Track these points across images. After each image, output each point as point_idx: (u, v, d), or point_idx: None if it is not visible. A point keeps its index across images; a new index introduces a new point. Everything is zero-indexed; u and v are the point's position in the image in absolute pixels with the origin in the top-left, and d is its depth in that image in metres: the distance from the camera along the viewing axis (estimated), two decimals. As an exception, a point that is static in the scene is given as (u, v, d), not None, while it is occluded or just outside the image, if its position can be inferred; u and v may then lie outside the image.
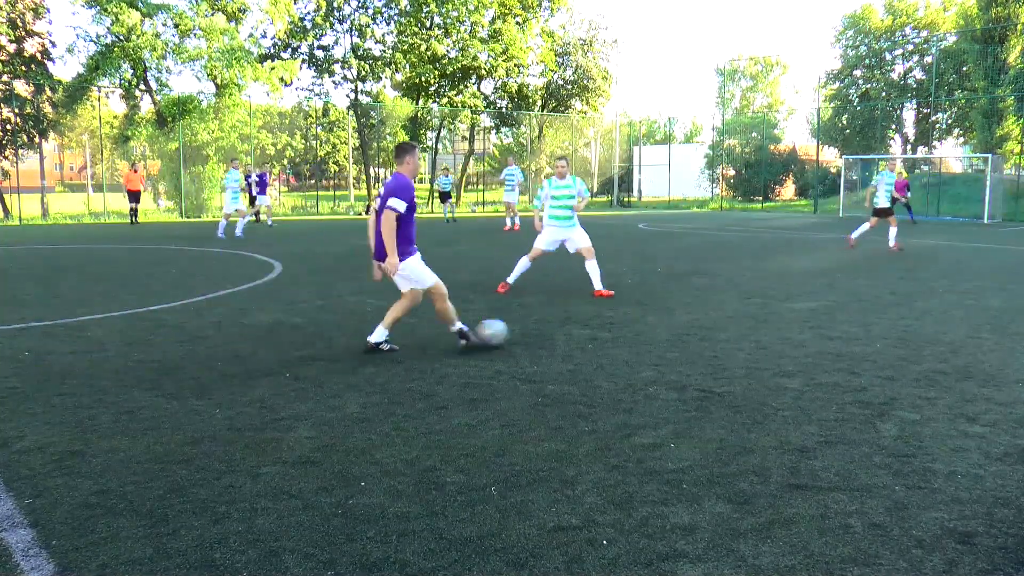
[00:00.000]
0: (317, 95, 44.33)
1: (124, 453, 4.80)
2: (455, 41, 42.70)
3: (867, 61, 65.73)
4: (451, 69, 42.78)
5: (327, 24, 41.48)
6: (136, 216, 29.28)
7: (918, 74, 64.57)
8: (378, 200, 7.20)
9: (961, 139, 64.14)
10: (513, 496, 4.15)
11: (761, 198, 52.03)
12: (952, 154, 63.61)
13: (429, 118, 45.67)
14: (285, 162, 55.69)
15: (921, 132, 62.51)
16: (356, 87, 43.58)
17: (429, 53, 41.63)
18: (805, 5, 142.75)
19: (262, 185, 27.90)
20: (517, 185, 26.08)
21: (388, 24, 42.76)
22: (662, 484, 4.32)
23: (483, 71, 44.11)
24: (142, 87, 34.65)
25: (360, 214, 36.35)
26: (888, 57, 65.74)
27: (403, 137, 45.63)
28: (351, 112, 43.93)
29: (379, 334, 7.58)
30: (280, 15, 35.73)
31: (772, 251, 18.85)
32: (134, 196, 29.27)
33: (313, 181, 61.48)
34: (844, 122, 63.15)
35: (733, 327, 8.99)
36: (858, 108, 62.22)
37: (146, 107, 35.95)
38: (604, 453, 4.79)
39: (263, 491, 4.21)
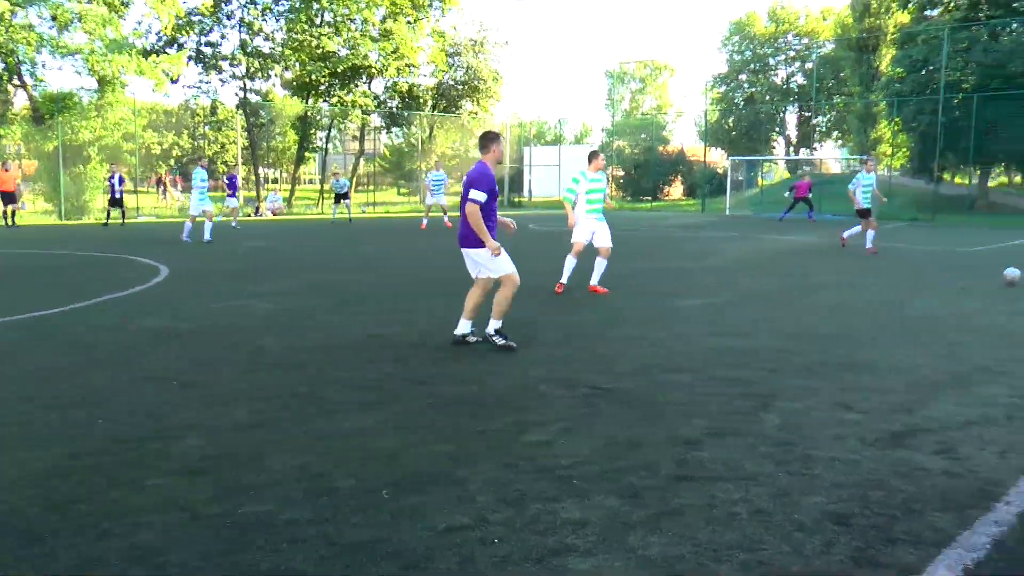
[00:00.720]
0: (205, 93, 43.09)
1: (-3, 468, 4.57)
2: (346, 39, 42.15)
3: (752, 66, 68.02)
4: (341, 68, 42.21)
5: (215, 19, 40.40)
6: (13, 218, 27.89)
7: (800, 79, 67.15)
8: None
9: (840, 141, 67.01)
10: (406, 499, 4.13)
11: (650, 198, 53.17)
12: (831, 155, 66.33)
13: (319, 117, 44.97)
14: (172, 162, 53.99)
15: (803, 134, 65.02)
16: (245, 85, 42.58)
17: (319, 51, 40.99)
18: (693, 10, 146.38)
19: (232, 187, 28.44)
20: (444, 187, 26.95)
21: (278, 20, 41.91)
22: (553, 481, 4.36)
23: (374, 70, 43.68)
24: (15, 82, 33.03)
25: (250, 215, 35.53)
26: (771, 62, 68.18)
27: (292, 137, 44.78)
28: (240, 111, 42.87)
29: (463, 326, 7.93)
30: (166, 9, 34.56)
31: (662, 250, 19.28)
32: (7, 197, 27.87)
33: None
34: (730, 124, 65.15)
35: (624, 325, 9.15)
36: (743, 111, 64.32)
37: (20, 103, 34.29)
38: (496, 452, 4.81)
39: (148, 504, 4.07)
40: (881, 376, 6.79)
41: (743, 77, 68.18)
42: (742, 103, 66.94)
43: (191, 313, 9.80)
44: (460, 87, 50.81)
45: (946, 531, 3.79)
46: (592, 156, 11.45)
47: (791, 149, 65.40)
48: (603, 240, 11.56)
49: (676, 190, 63.25)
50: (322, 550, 3.57)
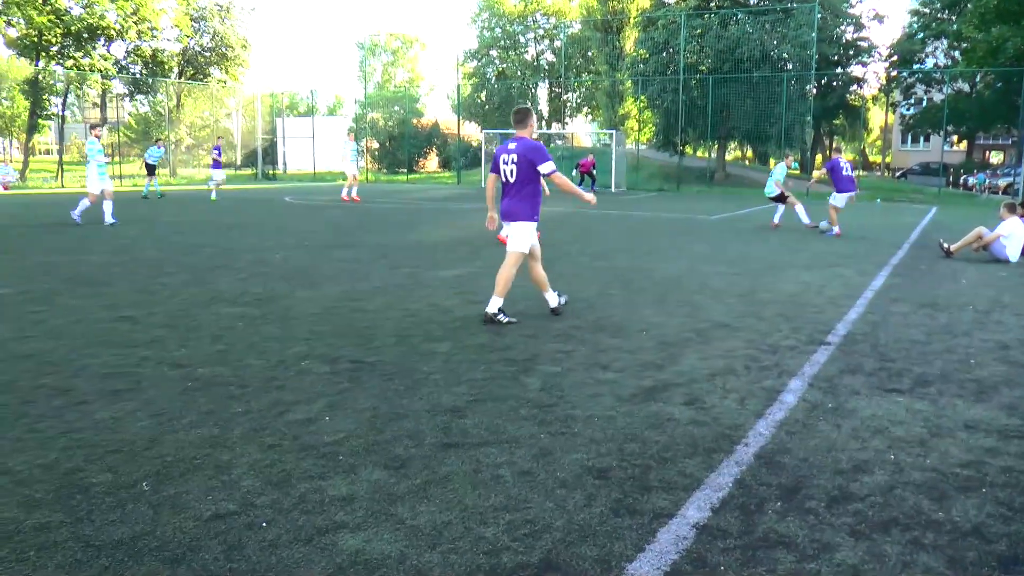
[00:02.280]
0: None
1: None
2: (79, -5, 38.92)
3: (502, 42, 69.53)
4: (76, 27, 38.89)
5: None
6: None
7: (549, 56, 69.41)
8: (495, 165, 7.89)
9: (590, 116, 70.02)
10: (166, 489, 3.90)
11: (406, 170, 53.20)
12: (583, 130, 69.22)
13: (52, 82, 41.26)
14: None
15: (554, 109, 67.26)
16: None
17: (48, 7, 37.51)
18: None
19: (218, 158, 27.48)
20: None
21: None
22: (319, 458, 4.28)
23: (113, 32, 40.61)
24: None
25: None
26: (522, 40, 69.99)
27: (22, 102, 40.74)
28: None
29: (552, 298, 8.21)
30: None
31: (418, 222, 19.37)
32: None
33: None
34: (483, 98, 66.25)
35: (382, 297, 9.12)
36: (495, 86, 65.58)
37: None
38: (259, 433, 4.65)
39: None
40: (633, 338, 7.19)
41: (494, 53, 69.62)
42: (494, 78, 68.37)
43: None
44: (207, 54, 48.44)
45: (694, 475, 4.08)
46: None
47: (543, 123, 67.59)
48: None
49: (432, 162, 63.73)
50: (77, 553, 3.29)
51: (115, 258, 12.22)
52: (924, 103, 55.75)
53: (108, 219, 17.42)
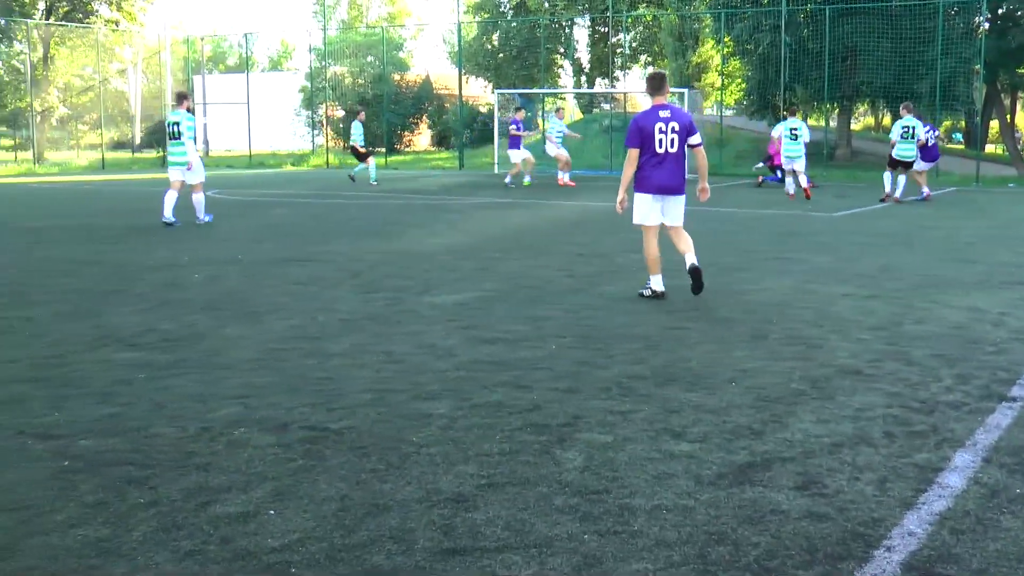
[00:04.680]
0: None
1: None
2: None
3: (524, -41, 69.33)
4: None
5: None
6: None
7: (592, -21, 69.12)
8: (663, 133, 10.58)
9: (650, 68, 69.69)
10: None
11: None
12: (639, 88, 69.06)
13: None
14: None
15: (598, 58, 66.92)
16: None
17: None
18: None
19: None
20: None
21: None
22: (261, 572, 4.30)
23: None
24: None
25: None
26: (552, -45, 69.80)
27: None
28: None
29: (656, 282, 11.01)
30: None
31: (402, 225, 19.43)
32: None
33: None
34: (495, 43, 65.92)
35: (351, 335, 9.15)
36: (513, 24, 65.17)
37: None
38: (171, 534, 4.67)
39: None
40: (719, 391, 7.18)
41: (512, -27, 69.67)
42: (510, 12, 68.31)
43: None
44: (91, -19, 48.95)
45: (813, 595, 4.06)
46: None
47: (583, 79, 67.61)
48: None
49: (422, 138, 63.77)
50: None
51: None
52: None
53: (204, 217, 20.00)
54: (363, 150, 33.45)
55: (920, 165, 25.34)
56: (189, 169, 19.51)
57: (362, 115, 35.81)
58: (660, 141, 10.41)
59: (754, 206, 24.11)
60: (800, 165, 25.62)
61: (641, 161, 10.69)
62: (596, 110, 55.19)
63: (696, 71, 52.17)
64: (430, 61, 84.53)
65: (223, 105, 54.63)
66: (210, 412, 6.68)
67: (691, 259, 10.76)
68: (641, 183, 10.91)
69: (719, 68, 48.74)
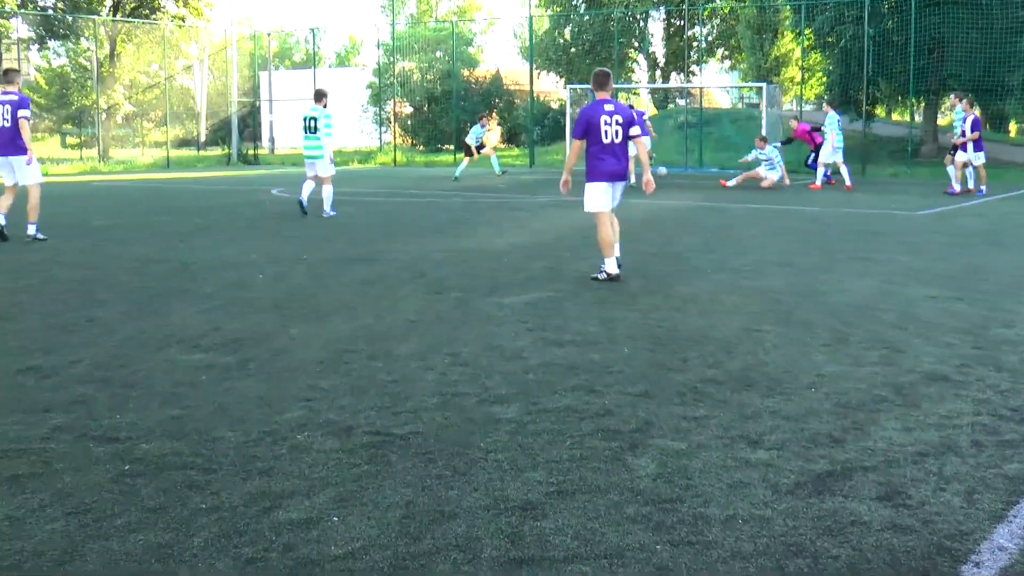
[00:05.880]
0: None
1: None
2: None
3: (598, -49, 69.18)
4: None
5: None
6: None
7: (667, -30, 68.84)
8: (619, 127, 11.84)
9: (727, 62, 69.38)
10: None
11: (453, 146, 53.29)
12: (717, 83, 68.77)
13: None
14: None
15: (673, 52, 66.72)
16: None
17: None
18: None
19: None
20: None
21: None
22: (323, 579, 4.30)
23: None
24: None
25: None
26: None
27: None
28: None
29: (611, 264, 11.98)
30: None
31: (469, 223, 19.47)
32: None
33: None
34: (567, 37, 65.96)
35: (417, 336, 9.16)
36: (586, 17, 65.15)
37: None
38: (232, 540, 4.69)
39: None
40: (797, 397, 7.10)
41: (585, -33, 69.60)
42: (583, 6, 68.27)
43: None
44: (158, -24, 49.50)
45: (897, 611, 3.99)
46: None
47: (658, 74, 67.40)
48: None
49: (491, 135, 63.82)
50: None
51: (21, 280, 12.51)
52: None
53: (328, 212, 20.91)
54: (476, 149, 35.22)
55: (976, 159, 26.48)
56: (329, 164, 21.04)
57: (483, 120, 37.72)
58: (606, 132, 11.75)
59: (834, 204, 23.86)
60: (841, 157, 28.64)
61: (591, 152, 11.91)
62: (670, 106, 54.94)
63: (775, 65, 51.76)
64: (499, 56, 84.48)
65: (289, 103, 54.97)
66: (274, 415, 6.71)
67: (617, 251, 12.16)
68: (593, 172, 12.00)
69: (799, 62, 48.38)
